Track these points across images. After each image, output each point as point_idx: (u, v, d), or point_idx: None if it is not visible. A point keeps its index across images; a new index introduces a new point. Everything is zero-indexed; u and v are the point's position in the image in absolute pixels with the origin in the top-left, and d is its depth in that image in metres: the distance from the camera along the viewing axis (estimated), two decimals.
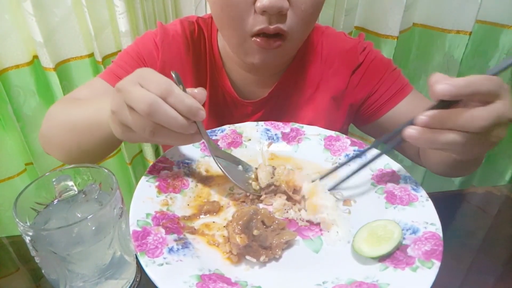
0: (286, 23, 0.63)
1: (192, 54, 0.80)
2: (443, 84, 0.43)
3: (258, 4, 0.60)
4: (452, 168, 0.71)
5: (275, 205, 0.58)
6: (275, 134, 0.71)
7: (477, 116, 0.44)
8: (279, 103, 0.83)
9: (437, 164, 0.74)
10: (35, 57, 1.14)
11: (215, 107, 0.83)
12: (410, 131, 0.47)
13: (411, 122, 0.47)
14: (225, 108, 0.84)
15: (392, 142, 0.56)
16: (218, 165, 0.58)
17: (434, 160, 0.73)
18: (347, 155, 0.66)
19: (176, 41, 0.79)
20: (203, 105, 0.80)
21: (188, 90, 0.51)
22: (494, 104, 0.45)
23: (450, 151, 0.51)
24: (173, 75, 0.52)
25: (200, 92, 0.51)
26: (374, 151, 0.63)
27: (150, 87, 0.48)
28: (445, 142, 0.46)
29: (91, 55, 1.19)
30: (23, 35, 1.08)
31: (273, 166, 0.61)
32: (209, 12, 1.03)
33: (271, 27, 0.63)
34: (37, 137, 1.21)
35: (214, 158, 0.58)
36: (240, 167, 0.62)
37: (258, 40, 0.65)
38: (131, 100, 0.48)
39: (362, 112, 0.85)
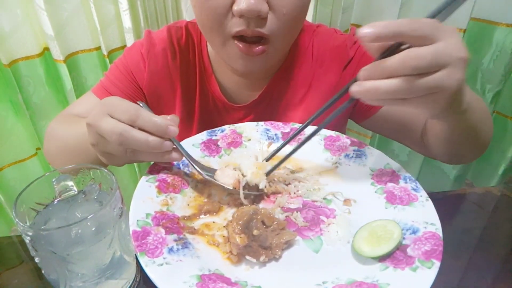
0: (266, 27, 0.62)
1: (180, 62, 0.79)
2: (365, 27, 0.42)
3: (235, 7, 0.59)
4: (452, 143, 0.66)
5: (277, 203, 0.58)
6: (275, 134, 0.71)
7: (412, 55, 0.42)
8: (271, 104, 0.82)
9: (439, 144, 0.69)
10: (46, 49, 1.19)
11: (206, 113, 0.83)
12: (354, 88, 0.47)
13: (355, 80, 0.47)
14: (216, 114, 0.83)
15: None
16: (205, 177, 0.58)
17: (434, 139, 0.69)
18: (346, 155, 0.66)
19: (162, 50, 0.78)
20: (193, 113, 0.80)
21: (160, 116, 0.54)
22: (432, 44, 0.42)
23: (409, 105, 0.47)
24: (140, 105, 0.55)
25: (173, 118, 0.54)
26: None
27: (118, 116, 0.52)
28: (388, 89, 0.44)
29: (98, 48, 1.24)
30: (33, 29, 1.14)
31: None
32: None
33: (249, 30, 0.62)
34: (45, 125, 1.29)
35: (200, 172, 0.58)
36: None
37: (240, 45, 0.64)
38: (102, 133, 0.52)
39: (358, 108, 0.82)
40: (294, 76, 0.81)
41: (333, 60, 0.80)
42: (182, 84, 0.80)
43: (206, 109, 0.82)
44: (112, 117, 0.52)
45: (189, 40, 0.80)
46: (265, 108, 0.82)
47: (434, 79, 0.43)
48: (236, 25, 0.62)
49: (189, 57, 0.80)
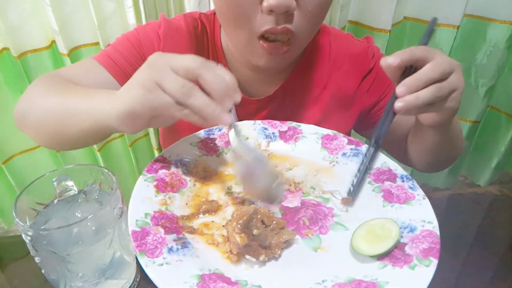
0: (293, 24, 0.63)
1: (195, 50, 0.79)
2: (389, 57, 0.55)
3: (265, 3, 0.59)
4: (434, 153, 0.76)
5: None
6: (273, 133, 0.71)
7: (437, 63, 0.54)
8: (285, 102, 0.82)
9: (421, 153, 0.78)
10: (53, 42, 1.20)
11: None
12: (399, 105, 0.53)
13: (394, 97, 0.55)
14: None
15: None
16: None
17: (418, 148, 0.78)
18: (344, 153, 0.67)
19: (179, 35, 0.78)
20: None
21: None
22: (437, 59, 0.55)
23: (434, 108, 0.58)
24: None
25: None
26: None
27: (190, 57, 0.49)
28: (426, 96, 0.53)
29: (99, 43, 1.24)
30: (41, 22, 1.16)
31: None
32: (212, 8, 1.03)
33: (279, 27, 0.62)
34: None
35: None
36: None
37: (265, 45, 0.65)
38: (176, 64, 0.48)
39: (369, 118, 0.86)
40: (309, 74, 0.82)
41: (353, 67, 0.82)
42: None
43: None
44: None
45: (204, 30, 0.80)
46: (279, 104, 0.82)
47: (452, 80, 0.55)
48: (264, 23, 0.62)
49: (203, 47, 0.80)
